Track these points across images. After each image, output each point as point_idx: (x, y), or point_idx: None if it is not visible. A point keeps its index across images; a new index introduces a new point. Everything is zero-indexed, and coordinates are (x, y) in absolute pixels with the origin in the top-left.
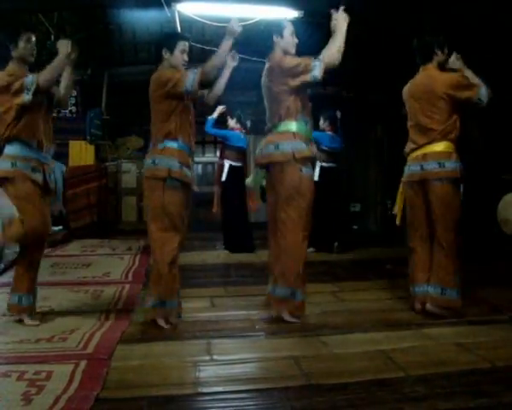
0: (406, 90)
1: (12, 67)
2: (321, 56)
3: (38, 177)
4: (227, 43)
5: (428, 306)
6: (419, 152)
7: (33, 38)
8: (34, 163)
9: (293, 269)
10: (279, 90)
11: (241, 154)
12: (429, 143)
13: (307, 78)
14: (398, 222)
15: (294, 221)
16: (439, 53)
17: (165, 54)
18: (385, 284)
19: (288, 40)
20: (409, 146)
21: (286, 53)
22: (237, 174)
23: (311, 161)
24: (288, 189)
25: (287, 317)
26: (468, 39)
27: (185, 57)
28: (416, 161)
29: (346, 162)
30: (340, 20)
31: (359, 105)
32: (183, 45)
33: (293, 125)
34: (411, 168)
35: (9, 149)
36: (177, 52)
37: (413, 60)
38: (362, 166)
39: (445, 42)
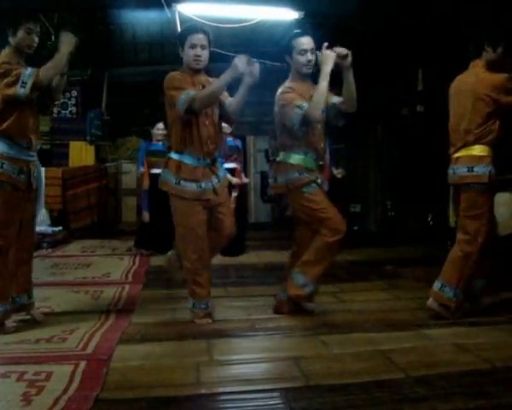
0: (452, 86)
1: (7, 53)
2: (306, 106)
3: (23, 179)
4: (226, 77)
5: (429, 300)
6: (455, 155)
7: (35, 30)
8: (21, 164)
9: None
10: (278, 120)
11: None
12: (464, 145)
13: (290, 125)
14: (451, 223)
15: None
16: (490, 50)
17: (181, 52)
18: (385, 284)
19: (298, 61)
20: (450, 148)
21: (298, 73)
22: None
23: (312, 182)
24: (298, 213)
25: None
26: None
27: (198, 51)
28: (451, 164)
29: (346, 163)
30: (325, 61)
31: (359, 105)
32: (194, 39)
33: (288, 157)
34: (448, 172)
35: None
36: (186, 48)
37: (414, 60)
38: (362, 167)
39: (499, 39)
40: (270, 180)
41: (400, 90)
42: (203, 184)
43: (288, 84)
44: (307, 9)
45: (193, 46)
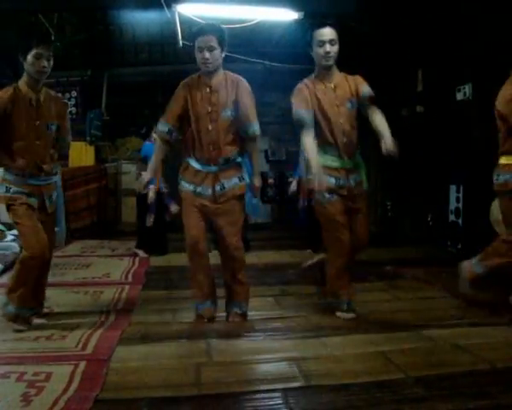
0: None
1: (22, 80)
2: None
3: (33, 202)
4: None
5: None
6: None
7: (45, 54)
8: (30, 188)
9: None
10: None
11: None
12: (499, 155)
13: None
14: None
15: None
16: None
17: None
18: (385, 285)
19: (317, 53)
20: None
21: (319, 65)
22: None
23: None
24: None
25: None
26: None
27: (205, 55)
28: None
29: None
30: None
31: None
32: (200, 42)
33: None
34: None
35: (5, 174)
36: (196, 51)
37: (413, 60)
38: None
39: None
40: (271, 180)
41: (400, 91)
42: (199, 189)
43: (307, 78)
44: (307, 10)
45: (200, 49)
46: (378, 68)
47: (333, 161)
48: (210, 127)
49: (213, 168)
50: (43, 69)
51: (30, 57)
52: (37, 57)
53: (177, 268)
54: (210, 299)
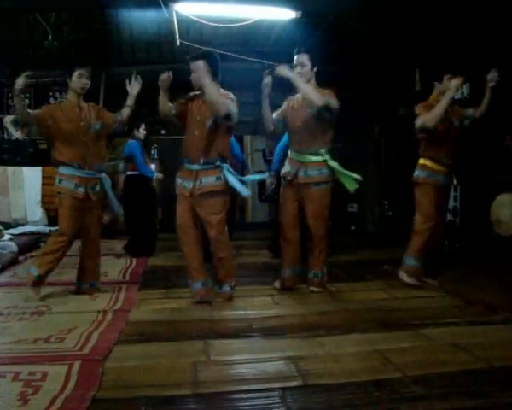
0: None
1: (68, 94)
2: None
3: (80, 191)
4: None
5: None
6: None
7: (86, 74)
8: (77, 180)
9: None
10: None
11: None
12: None
13: None
14: None
15: None
16: None
17: None
18: (382, 284)
19: None
20: None
21: None
22: None
23: None
24: None
25: None
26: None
27: None
28: None
29: (343, 163)
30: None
31: (357, 106)
32: None
33: None
34: None
35: (59, 169)
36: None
37: (411, 60)
38: (359, 167)
39: None
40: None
41: (398, 90)
42: (184, 182)
43: None
44: (304, 9)
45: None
46: (376, 68)
47: None
48: (196, 132)
49: (196, 167)
50: (85, 86)
51: (75, 77)
52: (80, 76)
53: (174, 267)
54: (201, 280)
